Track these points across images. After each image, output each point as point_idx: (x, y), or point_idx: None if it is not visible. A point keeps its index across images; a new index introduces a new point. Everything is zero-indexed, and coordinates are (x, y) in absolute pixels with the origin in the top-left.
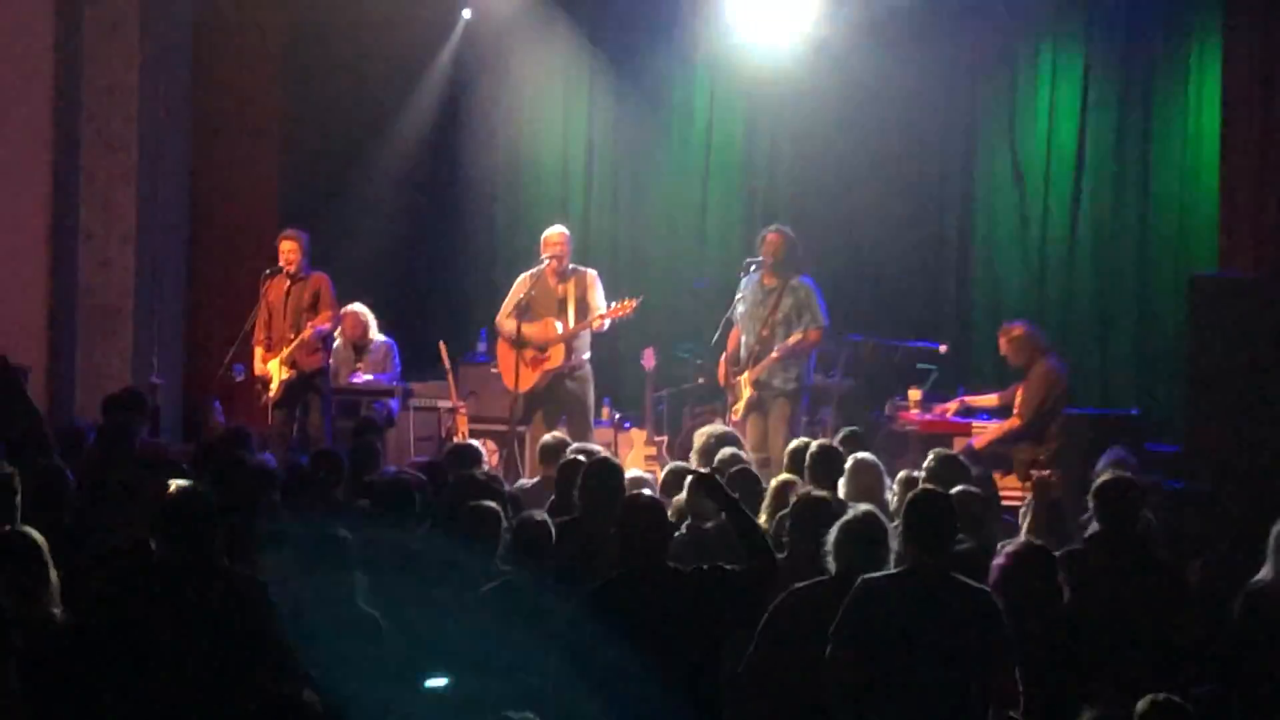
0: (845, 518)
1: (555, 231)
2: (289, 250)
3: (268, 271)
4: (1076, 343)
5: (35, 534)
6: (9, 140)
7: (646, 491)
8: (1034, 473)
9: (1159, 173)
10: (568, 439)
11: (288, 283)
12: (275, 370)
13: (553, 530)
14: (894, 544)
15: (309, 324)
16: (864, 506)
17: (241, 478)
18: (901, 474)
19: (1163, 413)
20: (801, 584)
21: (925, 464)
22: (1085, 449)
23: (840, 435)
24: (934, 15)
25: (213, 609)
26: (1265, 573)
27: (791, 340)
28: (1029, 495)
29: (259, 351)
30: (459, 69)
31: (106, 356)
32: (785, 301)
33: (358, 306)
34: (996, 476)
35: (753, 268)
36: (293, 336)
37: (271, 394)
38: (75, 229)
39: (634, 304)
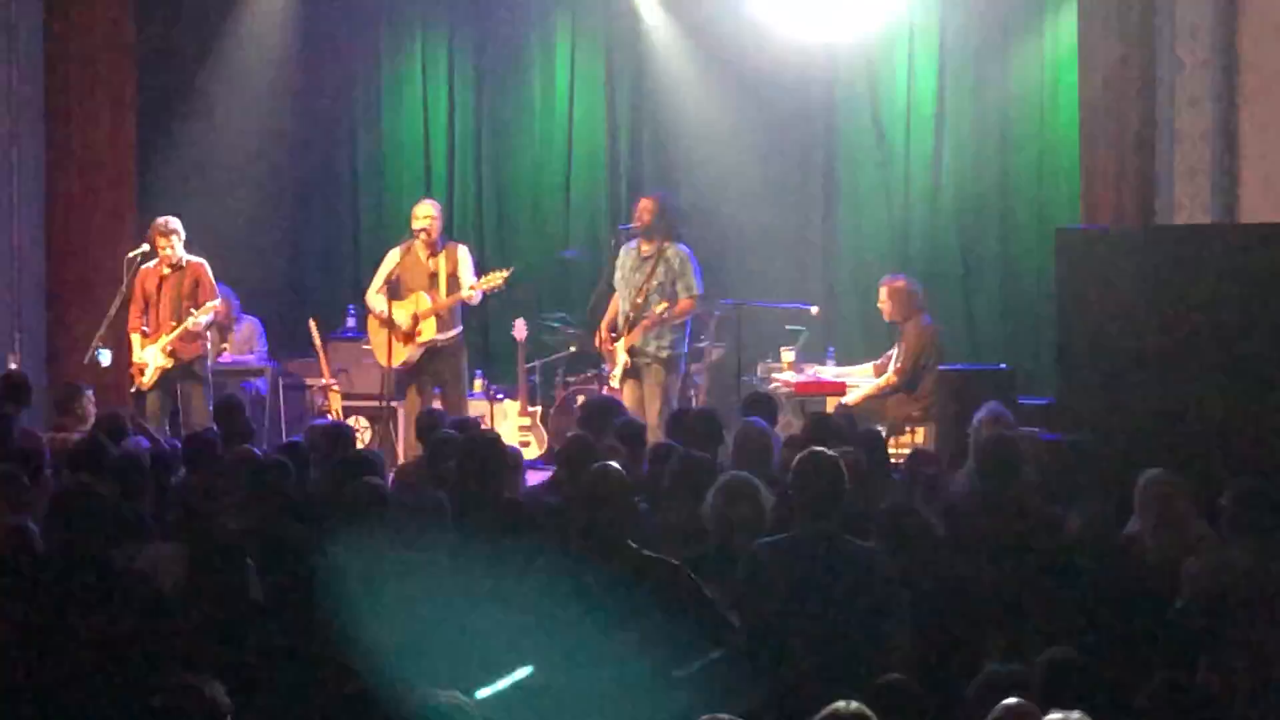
0: (721, 480)
1: (426, 205)
2: (173, 243)
3: (134, 254)
4: (943, 300)
5: None
6: None
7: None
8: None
9: (1019, 125)
10: (442, 414)
11: (166, 270)
12: (152, 357)
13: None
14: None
15: (191, 312)
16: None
17: (130, 468)
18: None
19: (1032, 366)
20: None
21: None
22: (958, 404)
23: (745, 400)
24: None
25: (104, 605)
26: (1133, 524)
27: (659, 309)
28: (904, 453)
29: (135, 339)
30: (319, 40)
31: None
32: (660, 269)
33: (220, 287)
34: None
35: (623, 235)
36: (174, 324)
37: (146, 381)
38: None
39: (506, 275)
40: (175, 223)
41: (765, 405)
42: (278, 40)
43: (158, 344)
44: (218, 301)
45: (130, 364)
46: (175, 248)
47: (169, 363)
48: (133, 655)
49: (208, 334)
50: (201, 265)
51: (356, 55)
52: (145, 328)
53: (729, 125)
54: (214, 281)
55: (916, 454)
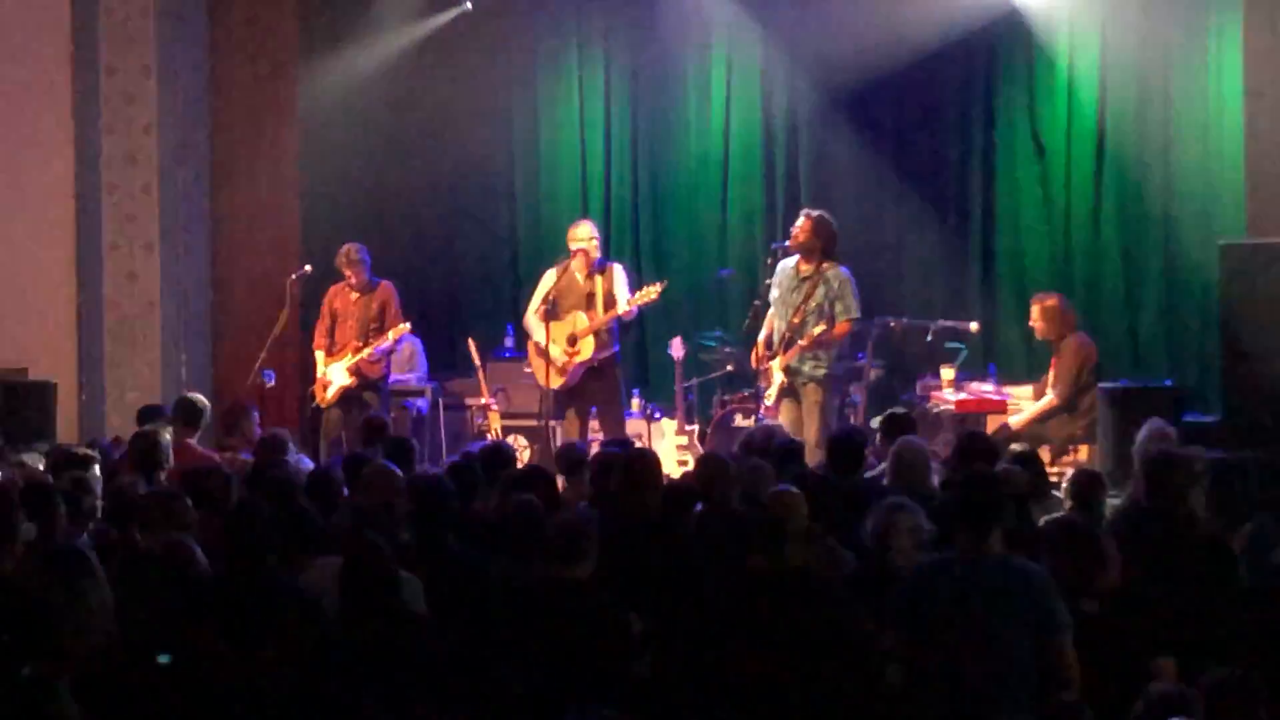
0: (880, 502)
1: (584, 226)
2: (353, 273)
3: (296, 276)
4: (1105, 316)
5: (86, 550)
6: (31, 154)
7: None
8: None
9: (1182, 139)
10: (582, 446)
11: (356, 292)
12: (337, 376)
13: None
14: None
15: (383, 335)
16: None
17: (289, 487)
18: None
19: (1195, 383)
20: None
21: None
22: (1121, 422)
23: (883, 418)
24: None
25: (270, 625)
26: None
27: (817, 331)
28: (1067, 472)
29: (320, 356)
30: (465, 62)
31: (134, 368)
32: (820, 290)
33: None
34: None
35: (779, 253)
36: (359, 345)
37: (328, 398)
38: (99, 241)
39: (660, 288)
40: (360, 251)
41: (905, 423)
42: (435, 62)
43: (342, 363)
44: (406, 326)
45: (314, 380)
46: (361, 275)
47: (352, 381)
48: (293, 672)
49: (390, 357)
50: (390, 289)
51: (514, 75)
52: (330, 345)
53: (888, 142)
54: (399, 306)
55: (1079, 473)
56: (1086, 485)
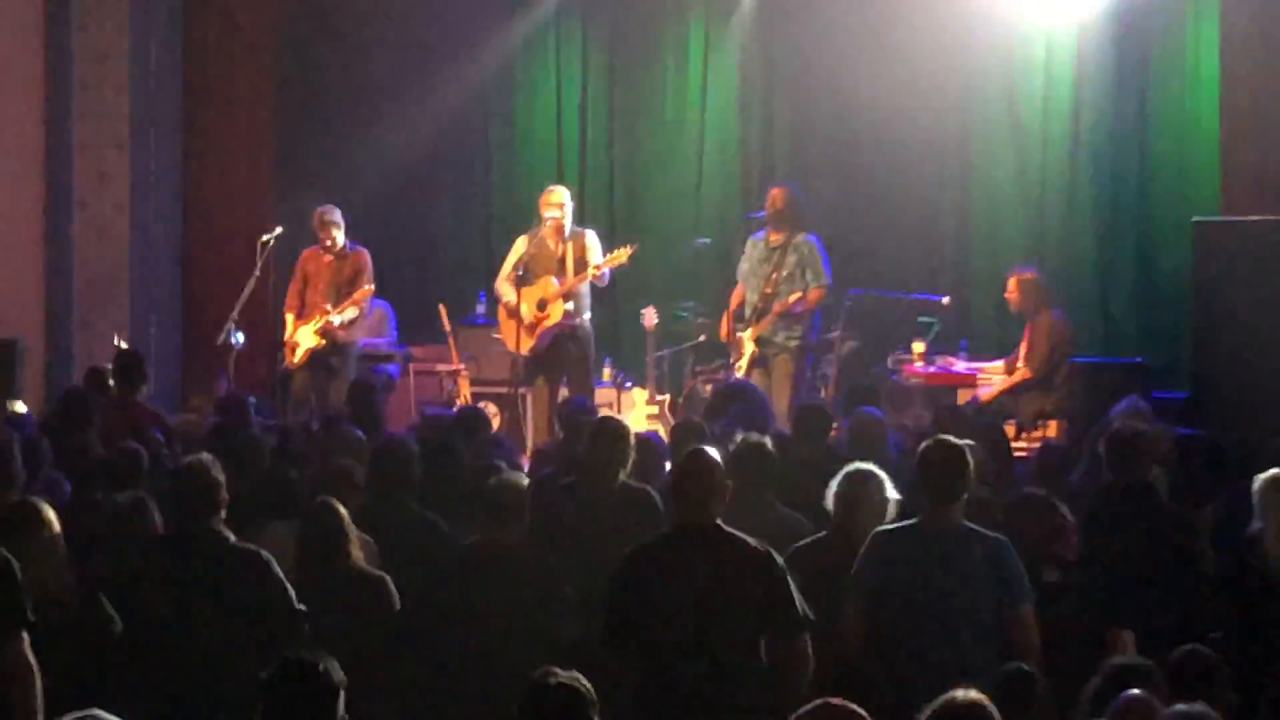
0: (846, 469)
1: (556, 191)
2: (327, 236)
3: (266, 238)
4: (1078, 292)
5: (42, 504)
6: (1, 112)
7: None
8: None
9: (1158, 118)
10: (585, 402)
11: (330, 255)
12: (304, 338)
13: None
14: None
15: (350, 301)
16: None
17: (250, 448)
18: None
19: (1168, 359)
20: (803, 542)
21: (930, 419)
22: (1092, 398)
23: (846, 391)
24: None
25: (219, 582)
26: (1255, 525)
27: (792, 298)
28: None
29: (289, 318)
30: (447, 26)
31: (103, 328)
32: (789, 259)
33: None
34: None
35: (753, 224)
36: (328, 308)
37: (296, 360)
38: (69, 199)
39: (630, 250)
40: (336, 214)
41: (864, 394)
42: (411, 29)
43: (310, 325)
44: (369, 289)
45: (283, 341)
46: (337, 239)
47: (320, 343)
48: (247, 631)
49: (361, 321)
50: (365, 256)
51: (490, 41)
52: (300, 307)
53: (863, 115)
54: (371, 275)
55: (1046, 445)
56: (1054, 459)
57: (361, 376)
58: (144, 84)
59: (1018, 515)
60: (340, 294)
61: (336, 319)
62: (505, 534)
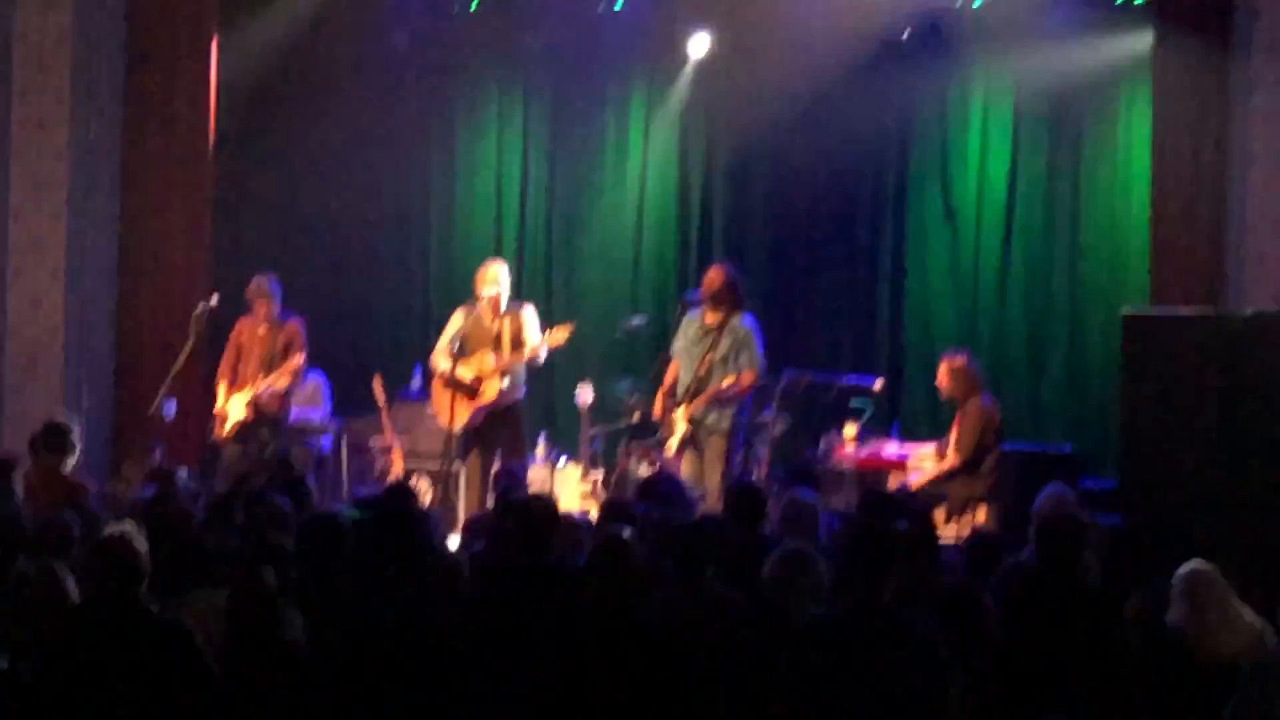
0: (777, 551)
1: (493, 266)
2: (263, 307)
3: (200, 310)
4: (1009, 379)
5: None
6: None
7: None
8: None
9: (1090, 210)
10: (520, 474)
11: (264, 326)
12: (234, 409)
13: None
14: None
15: (280, 372)
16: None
17: (177, 518)
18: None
19: (1095, 449)
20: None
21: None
22: (1020, 484)
23: (787, 474)
24: (867, 56)
25: (140, 654)
26: (1172, 614)
27: (725, 382)
28: (964, 532)
29: (221, 389)
30: (390, 98)
31: (35, 395)
32: (724, 341)
33: None
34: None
35: (691, 303)
36: (260, 378)
37: (225, 432)
38: (4, 265)
39: (569, 329)
40: (271, 284)
41: (801, 477)
42: (353, 98)
43: (241, 396)
44: (300, 357)
45: (214, 413)
46: (271, 309)
47: (249, 415)
48: (166, 705)
49: (292, 392)
50: (298, 327)
51: (431, 114)
52: (232, 377)
53: (800, 196)
54: (305, 347)
55: (975, 535)
56: (981, 547)
57: (291, 449)
58: (81, 153)
59: (942, 603)
60: (273, 365)
61: (265, 390)
62: (437, 610)
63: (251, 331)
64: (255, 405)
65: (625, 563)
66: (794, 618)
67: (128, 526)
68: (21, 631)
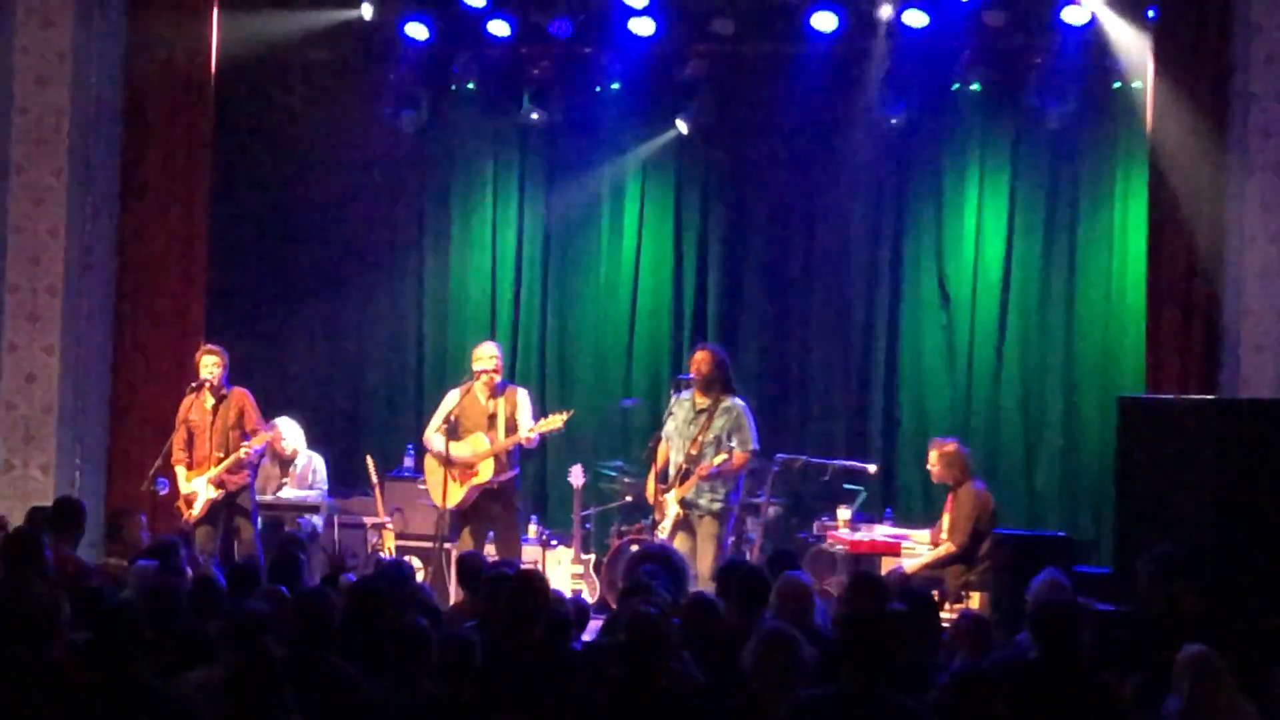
0: (758, 632)
1: (487, 346)
2: (213, 365)
3: (194, 385)
4: (1003, 464)
5: None
6: None
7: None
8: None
9: (1085, 295)
10: (483, 557)
11: (212, 400)
12: (201, 489)
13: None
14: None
15: (243, 443)
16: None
17: (172, 595)
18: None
19: (1090, 535)
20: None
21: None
22: (1014, 570)
23: (769, 556)
24: (864, 137)
25: None
26: (1171, 703)
27: (717, 461)
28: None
29: (180, 471)
30: (391, 182)
31: (29, 470)
32: (716, 422)
33: (287, 420)
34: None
35: (682, 385)
36: (221, 455)
37: (196, 513)
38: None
39: (565, 417)
40: (216, 347)
41: (788, 560)
42: (346, 176)
43: (205, 475)
44: (270, 433)
45: (178, 497)
46: (213, 371)
47: (218, 494)
48: None
49: (255, 465)
50: (245, 395)
51: (427, 192)
52: (189, 459)
53: (795, 280)
54: (258, 412)
55: (965, 615)
56: (970, 629)
57: (288, 533)
58: (79, 228)
59: (958, 689)
60: (231, 438)
61: (230, 463)
62: (428, 687)
63: (200, 408)
64: (220, 483)
65: (660, 640)
66: (770, 699)
67: (130, 598)
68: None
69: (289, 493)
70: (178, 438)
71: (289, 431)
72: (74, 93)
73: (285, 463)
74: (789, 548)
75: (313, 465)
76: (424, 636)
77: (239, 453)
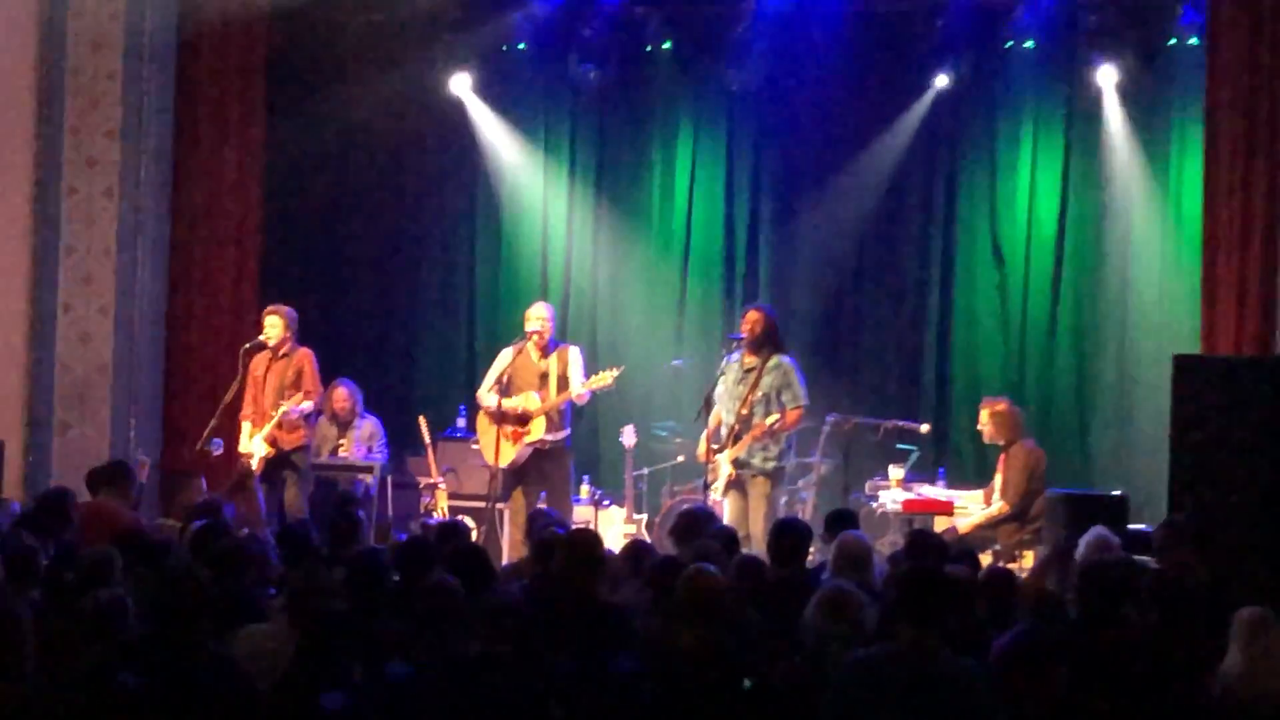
0: (820, 591)
1: (539, 307)
2: (272, 325)
3: (247, 346)
4: (1056, 424)
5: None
6: None
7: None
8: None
9: (1139, 253)
10: (552, 512)
11: (270, 358)
12: (257, 447)
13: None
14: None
15: (286, 402)
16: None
17: (230, 554)
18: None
19: (1144, 493)
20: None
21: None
22: (1067, 529)
23: (828, 516)
24: (916, 99)
25: (197, 690)
26: (1230, 661)
27: (770, 420)
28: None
29: (246, 426)
30: (442, 143)
31: (84, 431)
32: (765, 380)
33: (345, 383)
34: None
35: (734, 345)
36: (274, 413)
37: (255, 470)
38: (54, 302)
39: (615, 374)
40: (280, 307)
41: (848, 519)
42: (399, 141)
43: (261, 432)
44: (309, 403)
45: (238, 453)
46: (274, 331)
47: (270, 451)
48: None
49: (309, 425)
50: (307, 355)
51: (479, 155)
52: (254, 414)
53: (847, 240)
54: (317, 373)
55: (989, 572)
56: (999, 585)
57: (330, 489)
58: (132, 190)
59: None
60: (285, 396)
61: (283, 416)
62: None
63: (264, 364)
64: (274, 440)
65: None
66: (834, 656)
67: (190, 561)
68: (79, 661)
69: (342, 455)
70: (246, 394)
71: (347, 394)
72: (126, 57)
73: (343, 425)
74: (848, 508)
75: (372, 429)
76: (452, 594)
77: (276, 414)
